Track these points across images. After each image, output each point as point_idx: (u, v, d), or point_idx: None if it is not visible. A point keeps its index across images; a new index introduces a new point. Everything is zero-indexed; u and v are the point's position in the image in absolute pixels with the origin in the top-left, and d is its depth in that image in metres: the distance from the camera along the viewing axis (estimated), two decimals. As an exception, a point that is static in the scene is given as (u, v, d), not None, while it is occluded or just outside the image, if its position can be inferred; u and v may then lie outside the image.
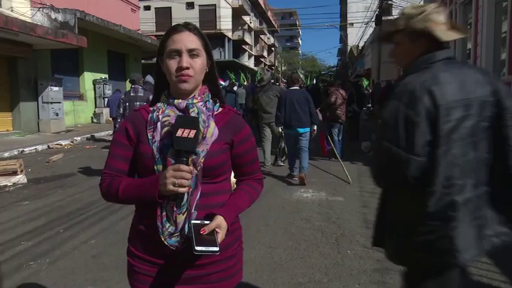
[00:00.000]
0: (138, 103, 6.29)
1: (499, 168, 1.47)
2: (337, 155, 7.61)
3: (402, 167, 1.40)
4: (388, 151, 1.43)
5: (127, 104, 6.40)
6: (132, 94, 6.55)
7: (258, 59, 47.32)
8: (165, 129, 1.31)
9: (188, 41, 1.32)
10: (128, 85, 19.72)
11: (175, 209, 1.27)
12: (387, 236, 1.64)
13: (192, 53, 1.32)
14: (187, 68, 1.30)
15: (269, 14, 49.29)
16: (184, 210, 1.28)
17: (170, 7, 32.56)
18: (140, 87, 6.74)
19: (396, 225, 1.58)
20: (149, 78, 8.90)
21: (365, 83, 21.79)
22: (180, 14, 30.11)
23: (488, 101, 1.46)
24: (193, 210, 1.29)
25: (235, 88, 13.62)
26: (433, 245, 1.46)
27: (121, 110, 6.51)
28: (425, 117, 1.39)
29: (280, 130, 6.81)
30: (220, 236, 1.25)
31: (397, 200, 1.58)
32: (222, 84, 13.11)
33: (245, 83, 16.60)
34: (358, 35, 34.47)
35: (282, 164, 7.92)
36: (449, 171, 1.41)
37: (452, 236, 1.42)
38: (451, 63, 1.51)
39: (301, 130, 6.51)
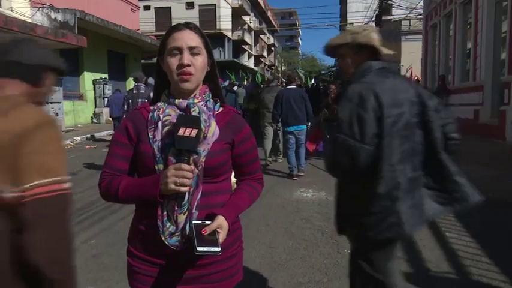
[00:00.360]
0: (140, 100, 6.48)
1: (429, 154, 1.82)
2: None
3: (356, 155, 1.71)
4: (344, 143, 1.73)
5: (130, 101, 6.60)
6: (134, 92, 6.78)
7: (257, 59, 47.30)
8: (166, 128, 1.31)
9: (189, 38, 1.32)
10: (128, 85, 19.75)
11: (176, 208, 1.27)
12: (346, 222, 1.94)
13: (193, 51, 1.32)
14: (189, 66, 1.30)
15: (269, 13, 49.25)
16: (185, 210, 1.28)
17: (170, 7, 32.55)
18: (143, 85, 6.89)
19: (350, 210, 1.88)
20: (151, 81, 9.02)
21: None
22: (180, 14, 30.09)
23: (415, 101, 1.81)
24: (194, 210, 1.29)
25: (235, 88, 13.63)
26: (383, 221, 1.75)
27: (125, 107, 6.70)
28: (373, 114, 1.71)
29: (276, 127, 7.03)
30: (222, 237, 1.25)
31: (350, 189, 1.90)
32: (222, 84, 13.21)
33: (245, 83, 16.62)
34: (358, 35, 34.39)
35: (280, 160, 8.13)
36: (393, 158, 1.73)
37: (398, 212, 1.74)
38: (384, 72, 1.87)
39: (297, 128, 6.66)
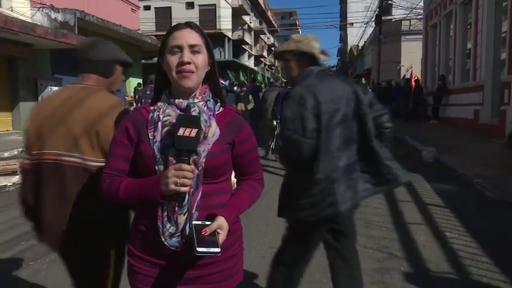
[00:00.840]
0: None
1: (363, 142, 2.14)
2: None
3: (300, 148, 2.02)
4: (290, 137, 2.03)
5: (143, 100, 7.04)
6: (148, 92, 7.22)
7: (258, 59, 47.28)
8: (166, 128, 1.31)
9: (190, 37, 1.32)
10: (128, 85, 19.69)
11: (176, 209, 1.27)
12: (288, 205, 2.21)
13: (193, 49, 1.31)
14: (189, 63, 1.30)
15: (269, 13, 49.22)
16: (185, 210, 1.27)
17: (170, 7, 32.53)
18: None
19: (295, 193, 2.17)
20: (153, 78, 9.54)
21: (362, 83, 21.89)
22: (180, 14, 30.08)
23: (351, 97, 2.14)
24: (194, 211, 1.29)
25: (235, 88, 13.67)
26: (322, 201, 2.05)
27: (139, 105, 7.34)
28: (312, 112, 2.02)
29: (274, 124, 7.69)
30: (222, 237, 1.24)
31: (294, 175, 2.21)
32: (222, 84, 13.40)
33: (246, 83, 16.64)
34: (358, 35, 34.48)
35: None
36: (330, 148, 2.04)
37: (335, 193, 2.04)
38: (322, 75, 2.20)
39: None
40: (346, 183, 2.07)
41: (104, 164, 1.52)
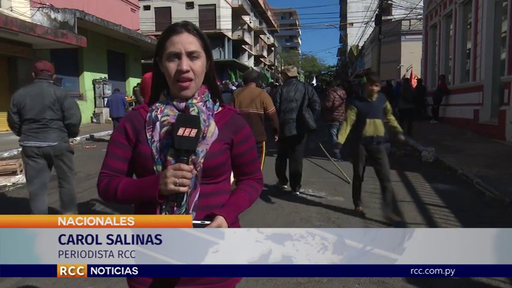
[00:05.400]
0: None
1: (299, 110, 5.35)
2: (331, 159, 7.63)
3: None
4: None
5: None
6: None
7: (257, 59, 47.28)
8: (164, 128, 1.30)
9: (188, 43, 1.30)
10: (127, 85, 19.67)
11: (175, 209, 1.27)
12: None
13: (191, 55, 1.30)
14: (188, 71, 1.29)
15: (269, 13, 49.22)
16: (183, 211, 1.27)
17: (170, 7, 32.52)
18: None
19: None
20: None
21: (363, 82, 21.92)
22: (180, 14, 30.06)
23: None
24: (191, 211, 1.28)
25: (233, 88, 13.70)
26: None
27: None
28: (278, 96, 5.45)
29: None
30: (221, 237, 1.24)
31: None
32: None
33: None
34: (358, 35, 34.50)
35: None
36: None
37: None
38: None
39: None
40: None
41: (261, 112, 4.90)
